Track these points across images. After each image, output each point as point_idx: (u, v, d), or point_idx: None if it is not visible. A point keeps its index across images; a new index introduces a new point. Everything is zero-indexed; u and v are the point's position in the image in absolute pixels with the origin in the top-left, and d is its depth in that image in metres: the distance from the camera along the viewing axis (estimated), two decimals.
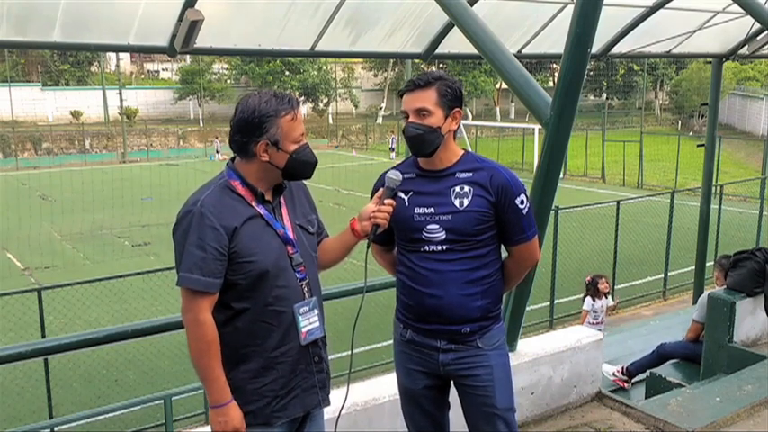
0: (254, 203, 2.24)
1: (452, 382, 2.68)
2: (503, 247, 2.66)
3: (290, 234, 2.28)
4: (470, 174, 2.52)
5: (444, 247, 2.51)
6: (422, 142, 2.49)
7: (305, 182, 2.49)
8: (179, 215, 2.19)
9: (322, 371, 2.35)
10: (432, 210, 2.51)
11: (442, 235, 2.50)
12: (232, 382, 2.22)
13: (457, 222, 2.48)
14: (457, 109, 2.53)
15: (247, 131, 2.19)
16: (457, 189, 2.51)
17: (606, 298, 7.56)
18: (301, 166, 2.22)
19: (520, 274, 2.73)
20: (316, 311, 2.31)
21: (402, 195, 2.56)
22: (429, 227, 2.51)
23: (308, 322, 2.26)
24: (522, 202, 2.52)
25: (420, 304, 2.56)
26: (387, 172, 2.53)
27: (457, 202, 2.49)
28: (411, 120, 2.49)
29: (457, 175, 2.53)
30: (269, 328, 2.21)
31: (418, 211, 2.53)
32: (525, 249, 2.61)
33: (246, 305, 2.19)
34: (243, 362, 2.20)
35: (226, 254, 2.13)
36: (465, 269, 2.51)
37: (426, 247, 2.53)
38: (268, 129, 2.17)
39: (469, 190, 2.50)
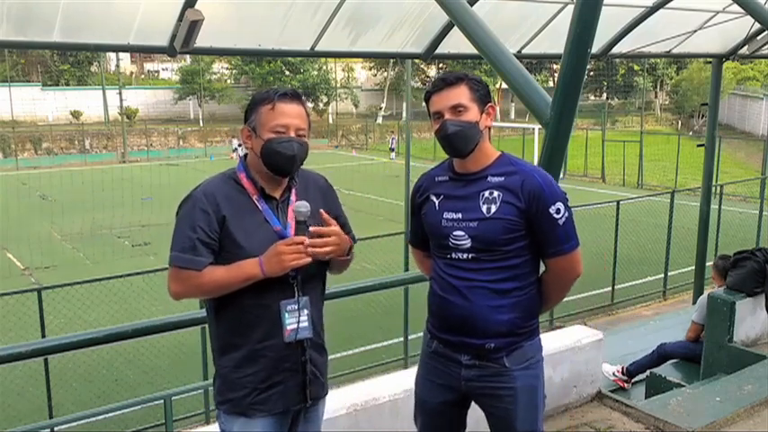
0: (255, 197, 2.27)
1: (473, 399, 2.54)
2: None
3: (291, 232, 2.27)
4: (502, 178, 2.35)
5: (470, 256, 2.35)
6: (462, 139, 2.33)
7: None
8: (181, 200, 2.27)
9: (311, 372, 2.32)
10: (459, 215, 2.37)
11: (467, 243, 2.35)
12: (218, 369, 2.30)
13: (483, 230, 2.32)
14: (490, 104, 2.41)
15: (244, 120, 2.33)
16: (486, 194, 2.34)
17: None
18: (275, 155, 2.21)
19: (560, 289, 2.49)
20: (305, 311, 2.27)
21: (434, 199, 2.45)
22: (455, 233, 2.37)
23: (294, 320, 2.24)
24: (557, 211, 2.31)
25: (445, 314, 2.43)
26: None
27: (484, 209, 2.33)
28: (448, 117, 2.34)
29: (488, 178, 2.36)
30: (255, 321, 2.23)
31: (446, 216, 2.39)
32: (563, 263, 2.39)
33: (235, 295, 2.22)
34: (230, 351, 2.25)
35: (216, 238, 2.19)
36: (492, 279, 2.35)
37: (453, 255, 2.39)
38: (250, 115, 2.28)
39: (498, 195, 2.33)
